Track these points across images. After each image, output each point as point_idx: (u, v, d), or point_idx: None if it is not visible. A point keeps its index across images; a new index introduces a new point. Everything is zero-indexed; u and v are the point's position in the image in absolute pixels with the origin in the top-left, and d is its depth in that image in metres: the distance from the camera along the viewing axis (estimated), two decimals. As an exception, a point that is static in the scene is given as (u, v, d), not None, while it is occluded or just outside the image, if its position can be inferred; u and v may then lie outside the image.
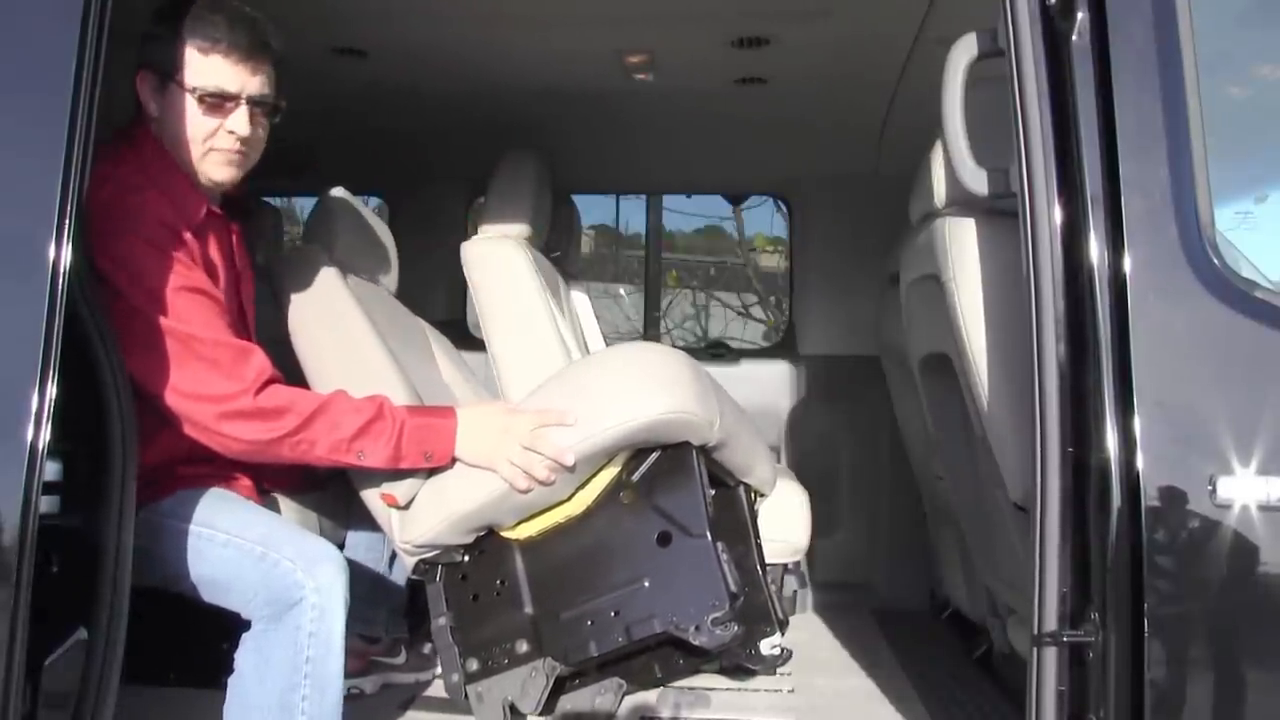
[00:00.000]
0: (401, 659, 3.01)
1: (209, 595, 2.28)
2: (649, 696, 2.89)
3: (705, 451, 2.61)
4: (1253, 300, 1.87)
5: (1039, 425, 1.87)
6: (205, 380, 2.23)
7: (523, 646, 2.56)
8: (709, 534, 2.47)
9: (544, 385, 2.62)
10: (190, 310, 2.24)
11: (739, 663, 2.91)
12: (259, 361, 2.30)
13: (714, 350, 4.71)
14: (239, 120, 2.28)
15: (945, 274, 2.41)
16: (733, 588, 2.47)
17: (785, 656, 2.69)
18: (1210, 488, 1.81)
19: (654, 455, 2.54)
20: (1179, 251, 1.87)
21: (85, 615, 1.93)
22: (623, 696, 2.77)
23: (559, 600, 2.56)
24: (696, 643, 2.48)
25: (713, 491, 2.73)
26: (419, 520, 2.52)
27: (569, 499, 2.55)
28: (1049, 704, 1.86)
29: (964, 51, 2.12)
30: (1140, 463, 1.81)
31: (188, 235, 2.31)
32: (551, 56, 3.35)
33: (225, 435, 2.25)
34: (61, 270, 1.83)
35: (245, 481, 2.51)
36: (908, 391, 3.37)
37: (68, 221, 1.85)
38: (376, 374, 2.64)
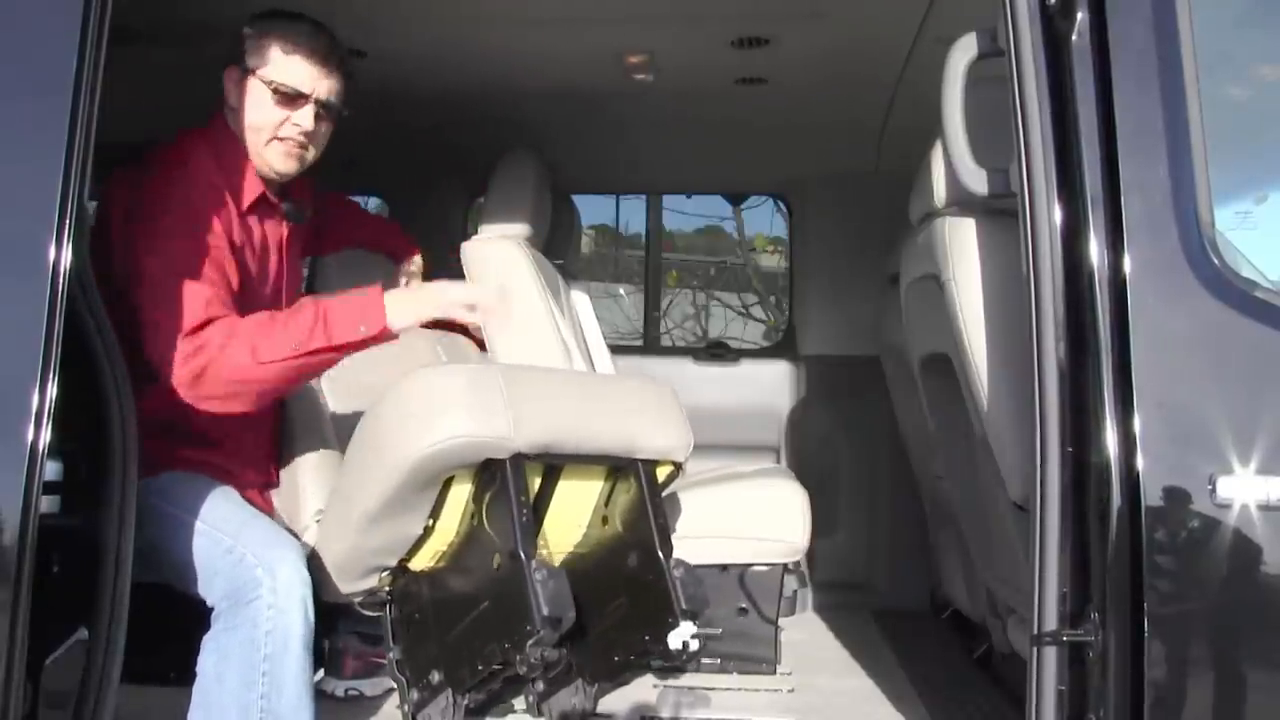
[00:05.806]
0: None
1: (176, 578, 2.31)
2: (649, 696, 2.89)
3: (537, 456, 2.45)
4: (1253, 300, 1.87)
5: (1039, 425, 1.87)
6: (174, 327, 2.27)
7: (435, 676, 2.55)
8: (521, 553, 2.32)
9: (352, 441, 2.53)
10: (189, 260, 2.33)
11: (653, 656, 2.75)
12: (202, 307, 2.32)
13: (714, 350, 4.70)
14: (305, 115, 2.51)
15: (945, 274, 2.41)
16: (545, 610, 2.27)
17: (694, 650, 2.57)
18: (1210, 487, 1.81)
19: (484, 474, 2.42)
20: (1179, 252, 1.87)
21: (85, 615, 1.93)
22: (596, 693, 2.75)
23: (446, 629, 2.53)
24: (520, 672, 2.38)
25: (608, 484, 2.65)
26: (324, 576, 2.53)
27: (431, 531, 2.48)
28: (1049, 704, 1.86)
29: (964, 51, 2.12)
30: (1140, 463, 1.81)
31: (232, 209, 2.48)
32: (551, 56, 3.35)
33: (197, 394, 2.29)
34: (62, 270, 1.84)
35: (246, 478, 2.54)
36: (908, 391, 3.37)
37: (68, 222, 1.85)
38: None
